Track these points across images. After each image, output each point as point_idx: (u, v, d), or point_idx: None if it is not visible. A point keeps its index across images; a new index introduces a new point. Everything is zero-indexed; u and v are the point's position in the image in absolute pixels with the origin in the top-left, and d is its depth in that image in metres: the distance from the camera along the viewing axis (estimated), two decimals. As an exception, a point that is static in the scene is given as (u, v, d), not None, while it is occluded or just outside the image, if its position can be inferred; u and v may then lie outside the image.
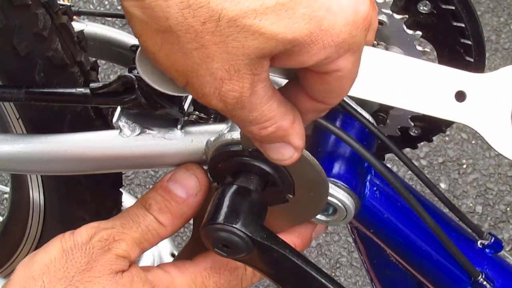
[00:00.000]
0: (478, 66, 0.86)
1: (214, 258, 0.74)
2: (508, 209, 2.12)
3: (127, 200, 1.52)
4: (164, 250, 1.49)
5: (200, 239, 0.74)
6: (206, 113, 0.80)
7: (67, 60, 0.87)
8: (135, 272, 0.70)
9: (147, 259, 1.47)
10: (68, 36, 0.87)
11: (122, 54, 1.00)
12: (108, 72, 2.34)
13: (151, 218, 0.71)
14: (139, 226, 0.71)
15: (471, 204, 2.13)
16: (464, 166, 2.20)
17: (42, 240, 1.25)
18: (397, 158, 0.82)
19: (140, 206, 0.72)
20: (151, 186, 2.14)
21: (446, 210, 0.95)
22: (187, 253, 0.77)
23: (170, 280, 0.71)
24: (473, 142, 2.25)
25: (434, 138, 0.95)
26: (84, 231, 0.70)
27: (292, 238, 0.79)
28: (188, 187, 0.73)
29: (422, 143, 0.98)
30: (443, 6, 0.82)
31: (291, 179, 0.74)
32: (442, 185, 2.16)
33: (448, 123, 0.93)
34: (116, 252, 0.69)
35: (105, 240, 0.69)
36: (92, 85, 0.75)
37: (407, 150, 0.97)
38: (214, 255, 0.74)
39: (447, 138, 2.25)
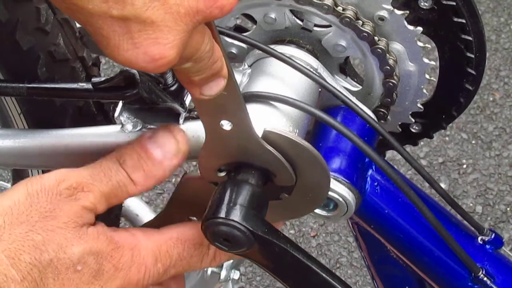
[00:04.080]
0: (478, 62, 0.87)
1: (181, 230, 0.73)
2: (508, 209, 2.12)
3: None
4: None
5: (170, 217, 0.74)
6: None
7: (69, 55, 0.87)
8: (101, 228, 0.68)
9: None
10: (70, 31, 0.88)
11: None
12: (108, 72, 2.35)
13: (123, 174, 0.70)
14: (110, 180, 0.69)
15: (471, 204, 2.13)
16: (464, 166, 2.20)
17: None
18: (397, 158, 0.83)
19: (114, 160, 0.70)
20: (151, 185, 2.15)
21: (447, 207, 0.95)
22: (154, 225, 0.76)
23: (135, 243, 0.70)
24: (473, 142, 2.25)
25: (434, 138, 0.95)
26: (53, 176, 0.67)
27: None
28: (166, 150, 0.72)
29: (422, 143, 0.98)
30: (444, 2, 0.82)
31: (294, 173, 0.74)
32: (442, 185, 2.16)
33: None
34: (83, 204, 0.67)
35: (73, 189, 0.67)
36: (94, 79, 0.75)
37: (407, 149, 0.97)
38: (181, 227, 0.73)
39: (447, 138, 2.25)
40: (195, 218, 0.78)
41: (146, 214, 1.52)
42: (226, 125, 0.71)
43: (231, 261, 1.19)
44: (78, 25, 0.90)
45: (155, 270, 0.70)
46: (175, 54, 0.58)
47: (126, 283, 0.68)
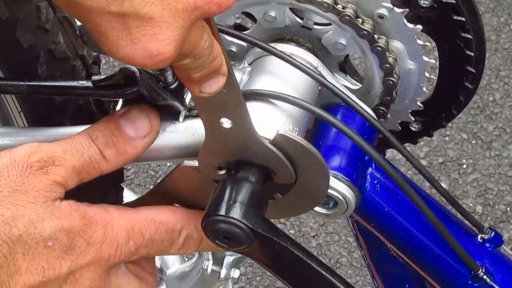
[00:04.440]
0: (478, 60, 0.87)
1: (156, 213, 0.73)
2: (508, 209, 2.12)
3: (128, 196, 1.52)
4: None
5: (153, 200, 0.75)
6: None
7: (69, 53, 0.87)
8: (74, 204, 0.68)
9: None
10: (70, 30, 0.88)
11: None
12: (108, 72, 2.34)
13: (95, 150, 0.69)
14: (82, 155, 0.68)
15: (471, 204, 2.13)
16: (464, 166, 2.20)
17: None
18: (397, 158, 0.83)
19: (87, 136, 0.70)
20: (151, 186, 2.14)
21: (447, 206, 0.95)
22: (134, 206, 0.76)
23: (109, 219, 0.69)
24: (473, 142, 2.25)
25: (434, 138, 0.95)
26: (24, 149, 0.66)
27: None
28: (139, 128, 0.72)
29: (422, 143, 0.98)
30: (444, 0, 0.82)
31: (294, 172, 0.74)
32: (442, 185, 2.16)
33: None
34: (54, 178, 0.66)
35: (44, 162, 0.66)
36: (94, 77, 0.75)
37: (407, 147, 0.97)
38: (157, 210, 0.73)
39: (447, 138, 2.25)
40: (177, 205, 0.78)
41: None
42: (226, 123, 0.71)
43: (231, 259, 1.20)
44: (78, 23, 0.90)
45: (127, 247, 0.70)
46: (174, 50, 0.58)
47: (97, 258, 0.68)
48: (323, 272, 0.76)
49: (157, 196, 0.77)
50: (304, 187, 0.76)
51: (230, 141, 0.73)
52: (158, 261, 1.45)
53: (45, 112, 0.90)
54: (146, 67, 0.59)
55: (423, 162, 2.19)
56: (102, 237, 0.68)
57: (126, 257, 0.70)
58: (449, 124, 0.94)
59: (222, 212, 0.72)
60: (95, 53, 0.93)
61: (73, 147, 0.69)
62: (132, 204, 0.77)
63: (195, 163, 0.75)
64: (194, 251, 0.83)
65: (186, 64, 0.62)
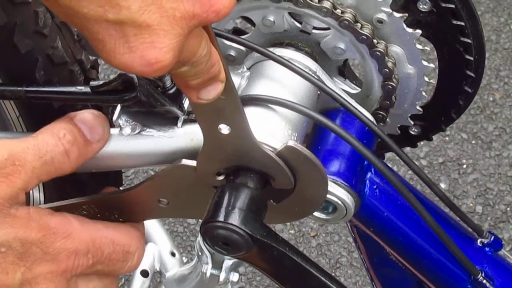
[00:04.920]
0: (477, 64, 0.86)
1: (116, 234, 0.73)
2: (508, 209, 2.12)
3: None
4: (164, 249, 1.49)
5: (140, 193, 0.76)
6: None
7: (67, 58, 0.87)
8: (34, 211, 0.67)
9: (147, 259, 1.47)
10: (68, 34, 0.87)
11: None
12: (108, 72, 2.35)
13: (61, 149, 0.69)
14: (44, 155, 0.68)
15: (471, 204, 2.13)
16: (464, 166, 2.20)
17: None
18: (397, 158, 0.83)
19: (52, 134, 0.69)
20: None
21: (446, 209, 0.95)
22: (121, 198, 0.77)
23: (70, 231, 0.69)
24: (473, 142, 2.25)
25: (434, 138, 0.95)
26: None
27: None
28: (94, 131, 0.73)
29: (422, 143, 0.98)
30: (443, 5, 0.82)
31: (293, 178, 0.74)
32: (442, 185, 2.16)
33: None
34: (12, 184, 0.65)
35: (5, 160, 0.64)
36: (92, 83, 0.75)
37: (407, 149, 0.97)
38: (117, 231, 0.74)
39: (447, 138, 2.25)
40: (165, 200, 0.78)
41: (148, 223, 1.52)
42: (224, 129, 0.71)
43: (230, 263, 1.20)
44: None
45: (85, 260, 0.70)
46: (171, 58, 0.58)
47: (54, 268, 0.68)
48: (322, 278, 0.75)
49: (146, 188, 0.77)
50: (302, 194, 0.76)
51: (228, 147, 0.73)
52: (157, 264, 1.45)
53: (44, 117, 0.90)
54: (144, 75, 0.58)
55: (423, 162, 2.19)
56: (62, 247, 0.68)
57: (83, 270, 0.70)
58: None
59: (221, 218, 0.72)
60: (93, 58, 0.93)
61: (36, 146, 0.68)
62: (120, 197, 0.77)
63: (193, 163, 0.75)
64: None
65: (184, 71, 0.62)
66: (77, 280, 0.71)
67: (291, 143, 0.72)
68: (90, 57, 0.92)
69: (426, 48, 0.85)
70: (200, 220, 0.75)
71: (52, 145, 0.68)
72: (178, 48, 0.58)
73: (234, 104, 0.69)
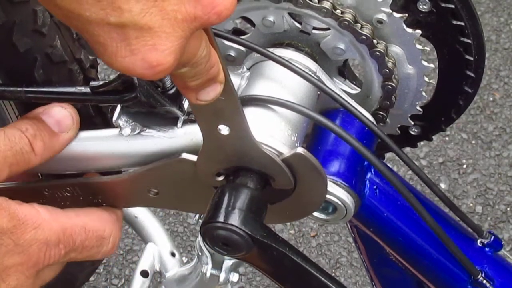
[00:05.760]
0: (477, 65, 0.86)
1: (87, 220, 0.74)
2: (508, 209, 2.12)
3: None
4: (164, 249, 1.49)
5: (132, 181, 0.76)
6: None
7: (66, 57, 0.87)
8: (4, 203, 0.67)
9: (147, 259, 1.47)
10: (67, 33, 0.87)
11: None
12: (108, 72, 2.34)
13: (26, 141, 0.70)
14: (14, 146, 0.69)
15: (471, 204, 2.13)
16: (464, 166, 2.20)
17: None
18: (397, 158, 0.83)
19: (16, 129, 0.71)
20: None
21: (446, 210, 0.95)
22: (111, 183, 0.77)
23: (40, 221, 0.69)
24: (473, 142, 2.25)
25: (434, 138, 0.95)
26: None
27: None
28: (62, 124, 0.74)
29: (422, 143, 0.98)
30: (443, 5, 0.82)
31: (293, 178, 0.74)
32: (442, 185, 2.16)
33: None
34: None
35: None
36: (92, 83, 0.75)
37: (407, 149, 0.97)
38: (89, 216, 0.74)
39: (447, 138, 2.25)
40: (155, 190, 0.78)
41: (145, 216, 1.52)
42: (224, 129, 0.71)
43: (230, 263, 1.19)
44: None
45: (57, 250, 0.70)
46: (173, 61, 0.58)
47: (25, 260, 0.68)
48: (322, 278, 0.76)
49: (139, 176, 0.77)
50: (300, 197, 0.76)
51: (228, 147, 0.73)
52: (157, 264, 1.45)
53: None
54: (145, 77, 0.58)
55: (423, 162, 2.19)
56: (32, 239, 0.68)
57: (56, 260, 0.70)
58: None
59: (221, 218, 0.72)
60: (92, 57, 0.93)
61: (5, 138, 0.69)
62: (112, 181, 0.77)
63: (194, 158, 0.75)
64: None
65: (183, 73, 0.62)
66: (44, 270, 0.71)
67: (301, 150, 0.72)
68: (89, 56, 0.92)
69: (426, 48, 0.85)
70: (200, 220, 0.75)
71: (18, 138, 0.70)
72: (179, 50, 0.58)
73: (233, 105, 0.69)
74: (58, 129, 0.74)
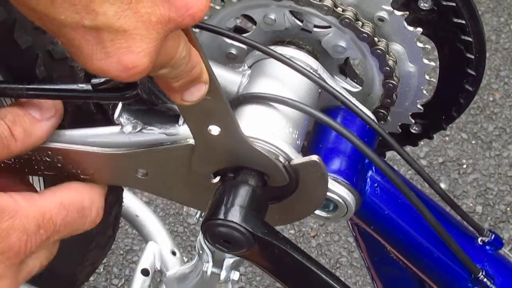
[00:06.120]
0: (478, 63, 0.86)
1: (64, 195, 0.72)
2: (508, 209, 2.12)
3: (128, 197, 1.52)
4: (165, 248, 1.49)
5: (129, 158, 0.75)
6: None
7: (67, 53, 0.87)
8: None
9: (148, 257, 1.47)
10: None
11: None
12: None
13: (5, 127, 0.70)
14: None
15: (471, 204, 2.13)
16: (464, 166, 2.20)
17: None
18: (398, 157, 0.83)
19: None
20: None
21: (447, 208, 0.95)
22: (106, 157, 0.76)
23: (16, 209, 0.68)
24: (473, 142, 2.25)
25: (434, 138, 0.95)
26: None
27: None
28: (43, 109, 0.73)
29: (422, 143, 0.98)
30: (444, 3, 0.82)
31: (296, 178, 0.74)
32: (442, 185, 2.16)
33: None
34: None
35: None
36: (94, 81, 0.75)
37: (407, 148, 0.97)
38: (65, 191, 0.73)
39: (447, 138, 2.25)
40: (144, 171, 0.77)
41: (146, 214, 1.52)
42: (214, 130, 0.71)
43: (231, 262, 1.19)
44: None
45: (38, 237, 0.69)
46: (148, 63, 0.58)
47: (6, 249, 0.67)
48: (323, 276, 0.76)
49: (134, 155, 0.76)
50: (302, 196, 0.76)
51: (220, 147, 0.73)
52: (158, 263, 1.45)
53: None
54: (121, 80, 0.59)
55: (423, 162, 2.19)
56: (10, 228, 0.67)
57: (38, 246, 0.69)
58: (449, 125, 0.94)
59: (222, 215, 0.72)
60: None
61: None
62: (95, 153, 0.76)
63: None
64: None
65: (164, 74, 0.62)
66: (28, 260, 0.70)
67: (315, 157, 0.73)
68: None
69: (427, 46, 0.85)
70: (201, 219, 0.75)
71: None
72: (154, 52, 0.58)
73: (221, 104, 0.69)
74: (39, 116, 0.73)
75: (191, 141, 0.74)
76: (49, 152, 0.76)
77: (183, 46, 0.61)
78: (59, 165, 0.77)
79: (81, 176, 0.77)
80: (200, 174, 0.76)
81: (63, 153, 0.76)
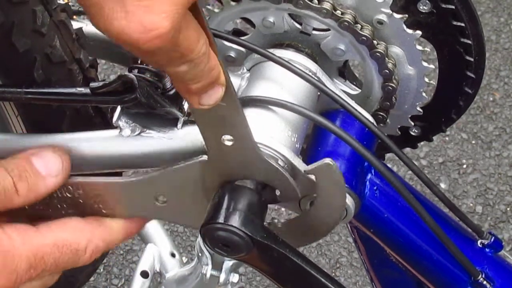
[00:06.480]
0: (478, 65, 0.86)
1: (59, 234, 0.72)
2: (508, 209, 2.12)
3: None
4: (164, 250, 1.49)
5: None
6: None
7: (65, 57, 0.87)
8: None
9: (147, 259, 1.47)
10: (66, 33, 0.87)
11: (122, 54, 1.00)
12: (108, 72, 2.34)
13: (9, 181, 0.69)
14: None
15: (471, 204, 2.13)
16: (464, 166, 2.20)
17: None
18: (397, 158, 0.82)
19: (3, 168, 0.70)
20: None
21: (446, 210, 0.95)
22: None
23: (8, 248, 0.68)
24: (473, 142, 2.25)
25: (434, 138, 0.95)
26: None
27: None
28: (50, 167, 0.72)
29: (422, 143, 0.98)
30: (443, 6, 0.82)
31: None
32: (442, 185, 2.16)
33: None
34: None
35: None
36: (92, 84, 0.74)
37: (407, 150, 0.97)
38: (58, 231, 0.72)
39: (447, 138, 2.25)
40: (164, 198, 0.77)
41: (148, 223, 1.52)
42: (228, 140, 0.71)
43: (230, 264, 1.19)
44: (74, 26, 0.90)
45: (27, 276, 0.69)
46: (169, 27, 0.56)
47: None
48: (322, 279, 0.75)
49: (151, 179, 0.76)
50: (322, 206, 0.75)
51: (232, 159, 0.72)
52: (157, 265, 1.45)
53: (42, 116, 0.90)
54: (140, 44, 0.56)
55: (423, 162, 2.19)
56: (1, 266, 0.67)
57: (27, 282, 0.69)
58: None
59: (221, 219, 0.72)
60: (91, 57, 0.93)
61: None
62: (112, 183, 0.76)
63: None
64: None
65: (183, 73, 0.62)
66: None
67: (328, 160, 0.72)
68: (89, 56, 0.92)
69: (426, 49, 0.85)
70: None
71: (2, 176, 0.69)
72: (177, 18, 0.56)
73: (235, 111, 0.68)
74: (45, 172, 0.72)
75: (204, 157, 0.74)
76: (70, 188, 0.76)
77: (203, 42, 0.60)
78: (81, 201, 0.77)
79: (103, 211, 0.77)
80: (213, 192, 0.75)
81: (83, 186, 0.76)
